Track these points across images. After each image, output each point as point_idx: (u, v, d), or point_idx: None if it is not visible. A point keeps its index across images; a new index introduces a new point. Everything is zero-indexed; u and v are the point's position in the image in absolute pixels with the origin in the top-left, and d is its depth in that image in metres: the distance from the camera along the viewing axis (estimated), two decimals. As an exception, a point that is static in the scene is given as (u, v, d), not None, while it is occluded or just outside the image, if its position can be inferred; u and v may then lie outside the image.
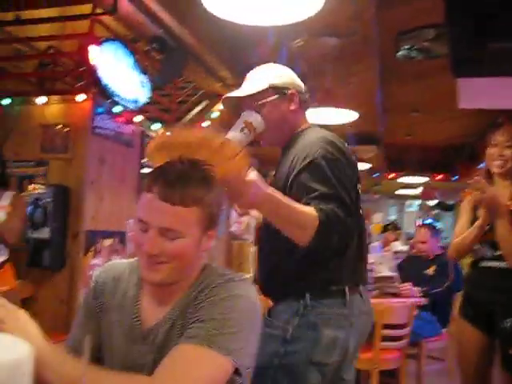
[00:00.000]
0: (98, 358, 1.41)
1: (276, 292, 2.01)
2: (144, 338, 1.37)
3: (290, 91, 2.01)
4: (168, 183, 1.28)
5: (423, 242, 4.89)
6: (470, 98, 3.95)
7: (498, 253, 2.69)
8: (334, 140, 1.92)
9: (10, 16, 4.52)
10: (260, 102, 1.97)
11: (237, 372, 1.25)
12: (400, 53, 5.38)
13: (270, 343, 1.87)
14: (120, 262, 1.56)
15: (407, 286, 4.36)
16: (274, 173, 2.12)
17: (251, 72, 2.08)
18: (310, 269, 1.91)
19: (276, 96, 1.99)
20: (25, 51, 5.13)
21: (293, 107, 2.02)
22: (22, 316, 1.23)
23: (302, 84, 2.08)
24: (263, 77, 2.02)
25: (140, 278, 1.42)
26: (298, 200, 1.75)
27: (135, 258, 1.45)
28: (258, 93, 1.98)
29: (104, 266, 1.57)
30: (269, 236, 1.98)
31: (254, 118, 1.94)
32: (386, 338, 3.60)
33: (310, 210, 1.71)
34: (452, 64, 3.51)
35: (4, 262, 3.44)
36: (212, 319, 1.25)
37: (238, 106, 2.03)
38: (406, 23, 4.72)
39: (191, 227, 1.30)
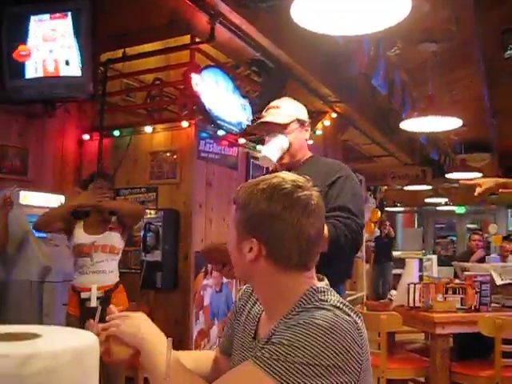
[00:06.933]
0: None
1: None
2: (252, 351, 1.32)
3: (306, 124, 2.39)
4: None
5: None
6: None
7: None
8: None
9: (117, 54, 4.83)
10: (288, 129, 2.31)
11: None
12: (508, 52, 5.13)
13: None
14: None
15: None
16: None
17: (277, 102, 2.40)
18: None
19: (299, 126, 2.35)
20: (133, 86, 5.45)
21: (307, 137, 2.40)
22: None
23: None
24: (291, 109, 2.37)
25: None
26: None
27: None
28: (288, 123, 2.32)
29: None
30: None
31: (285, 142, 2.30)
32: (507, 354, 3.39)
33: None
34: None
35: (118, 283, 3.61)
36: (280, 343, 1.11)
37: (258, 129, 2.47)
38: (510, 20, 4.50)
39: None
